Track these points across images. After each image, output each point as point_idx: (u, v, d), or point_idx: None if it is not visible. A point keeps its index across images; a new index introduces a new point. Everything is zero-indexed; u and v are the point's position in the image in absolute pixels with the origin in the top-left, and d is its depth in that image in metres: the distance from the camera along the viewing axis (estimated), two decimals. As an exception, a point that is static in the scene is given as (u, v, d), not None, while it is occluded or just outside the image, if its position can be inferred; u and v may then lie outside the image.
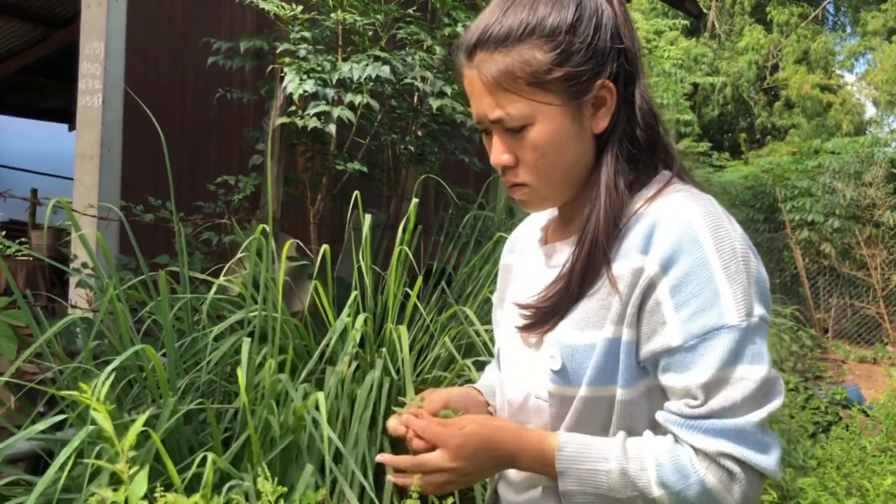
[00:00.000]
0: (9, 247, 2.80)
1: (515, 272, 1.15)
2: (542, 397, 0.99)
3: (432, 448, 0.94)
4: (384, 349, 2.29)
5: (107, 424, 0.72)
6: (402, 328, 2.28)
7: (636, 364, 0.92)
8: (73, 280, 2.79)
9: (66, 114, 9.99)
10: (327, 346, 2.20)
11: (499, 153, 0.97)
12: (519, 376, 1.04)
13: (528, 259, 1.12)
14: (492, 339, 2.35)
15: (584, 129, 0.96)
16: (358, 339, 2.22)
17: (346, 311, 2.26)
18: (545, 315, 0.97)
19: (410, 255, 2.58)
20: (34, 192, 6.88)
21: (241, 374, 1.63)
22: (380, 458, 0.98)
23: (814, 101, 15.20)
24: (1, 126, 11.19)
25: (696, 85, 11.24)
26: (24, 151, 10.32)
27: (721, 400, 0.87)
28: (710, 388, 0.87)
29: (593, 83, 0.94)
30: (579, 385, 0.94)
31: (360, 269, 2.44)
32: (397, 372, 2.23)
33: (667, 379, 0.90)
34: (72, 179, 3.60)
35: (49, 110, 10.34)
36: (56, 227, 5.04)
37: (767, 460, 0.87)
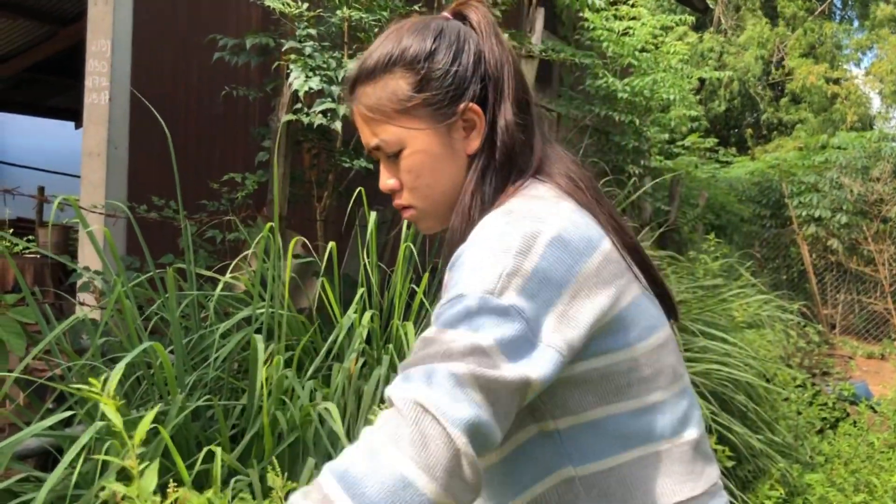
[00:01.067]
0: (16, 244, 2.82)
1: None
2: None
3: None
4: (391, 345, 2.29)
5: (116, 419, 0.73)
6: (409, 325, 2.29)
7: None
8: (79, 280, 2.80)
9: (72, 111, 10.01)
10: (334, 342, 2.21)
11: (384, 178, 1.04)
12: None
13: None
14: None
15: (457, 151, 1.01)
16: (365, 336, 2.22)
17: (352, 307, 2.27)
18: None
19: (415, 251, 2.58)
20: (41, 189, 6.91)
21: (263, 372, 1.64)
22: None
23: (819, 94, 15.14)
24: (7, 124, 11.22)
25: (702, 80, 11.22)
26: (30, 149, 10.35)
27: (426, 351, 0.81)
28: (425, 344, 0.83)
29: (455, 107, 0.99)
30: None
31: (366, 265, 2.44)
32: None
33: None
34: (78, 177, 3.61)
35: (55, 108, 10.36)
36: (63, 224, 5.06)
37: (455, 408, 0.75)
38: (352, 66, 1.05)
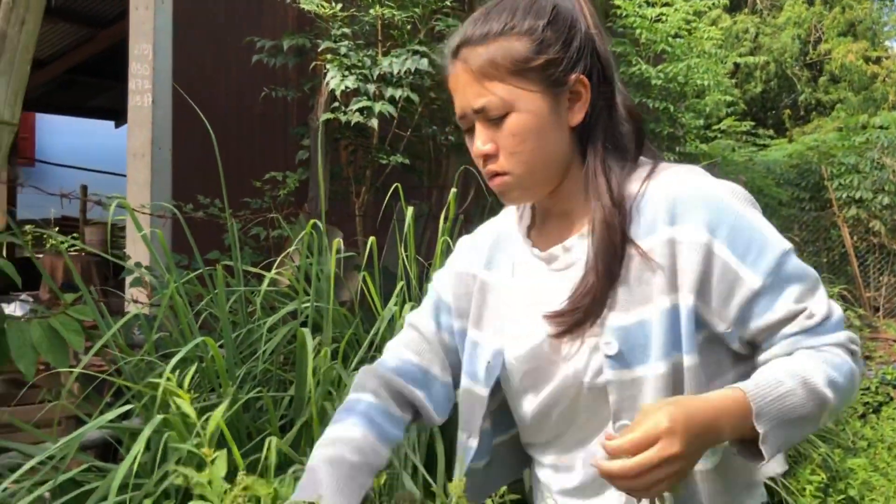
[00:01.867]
0: (63, 243, 2.93)
1: (499, 289, 1.14)
2: (596, 386, 1.01)
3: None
4: (431, 337, 2.34)
5: (190, 411, 0.79)
6: (448, 316, 2.33)
7: (697, 327, 1.00)
8: (129, 278, 2.90)
9: (112, 111, 10.23)
10: (376, 334, 2.27)
11: (481, 142, 1.03)
12: (555, 380, 1.05)
13: (517, 271, 1.12)
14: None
15: (562, 120, 1.02)
16: (406, 328, 2.27)
17: (392, 300, 2.32)
18: (585, 313, 1.00)
19: (452, 245, 2.63)
20: (84, 188, 7.08)
21: (311, 363, 1.70)
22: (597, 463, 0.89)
23: (859, 73, 14.80)
24: (48, 124, 11.50)
25: (737, 63, 11.07)
26: (71, 148, 10.59)
27: (821, 305, 0.99)
28: (806, 299, 0.99)
29: (569, 75, 1.01)
30: (642, 363, 0.98)
31: (404, 259, 2.49)
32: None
33: (764, 319, 0.99)
34: (119, 175, 3.73)
35: (95, 108, 10.59)
36: (106, 222, 5.20)
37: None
38: (454, 35, 1.07)
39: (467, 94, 1.02)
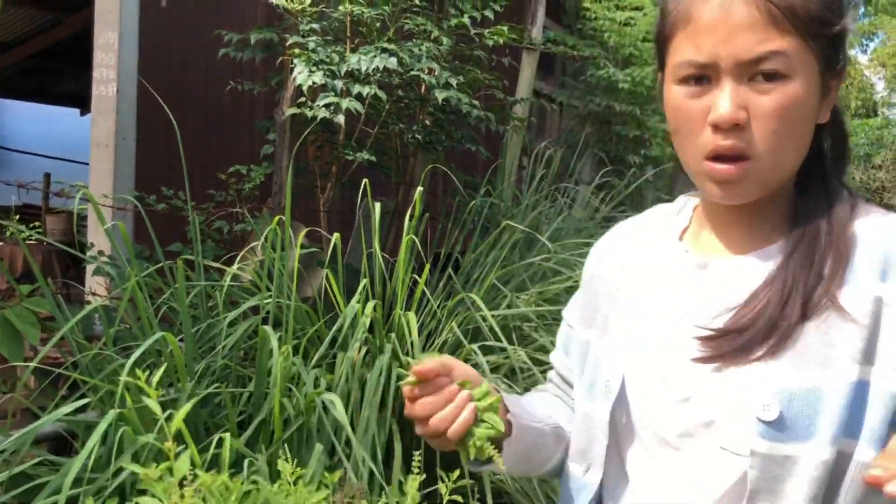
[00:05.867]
0: (22, 232, 2.89)
1: (633, 293, 0.94)
2: (739, 453, 0.78)
3: None
4: (393, 334, 2.36)
5: (155, 407, 0.80)
6: (411, 314, 2.35)
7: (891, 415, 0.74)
8: (90, 268, 2.87)
9: (77, 98, 10.07)
10: (338, 331, 2.27)
11: (735, 105, 0.77)
12: (675, 424, 0.83)
13: (660, 276, 0.92)
14: (498, 324, 2.43)
15: (815, 114, 0.82)
16: (368, 325, 2.29)
17: (356, 297, 2.33)
18: (749, 339, 0.78)
19: (418, 242, 2.64)
20: (47, 176, 6.98)
21: (275, 361, 1.70)
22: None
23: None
24: (11, 110, 11.28)
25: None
26: (34, 135, 10.41)
27: None
28: None
29: (837, 64, 0.83)
30: (801, 440, 0.75)
31: (369, 255, 2.50)
32: (406, 356, 2.31)
33: None
34: (82, 163, 3.69)
35: (60, 94, 10.41)
36: (69, 210, 5.13)
37: None
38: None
39: (738, 40, 0.76)
